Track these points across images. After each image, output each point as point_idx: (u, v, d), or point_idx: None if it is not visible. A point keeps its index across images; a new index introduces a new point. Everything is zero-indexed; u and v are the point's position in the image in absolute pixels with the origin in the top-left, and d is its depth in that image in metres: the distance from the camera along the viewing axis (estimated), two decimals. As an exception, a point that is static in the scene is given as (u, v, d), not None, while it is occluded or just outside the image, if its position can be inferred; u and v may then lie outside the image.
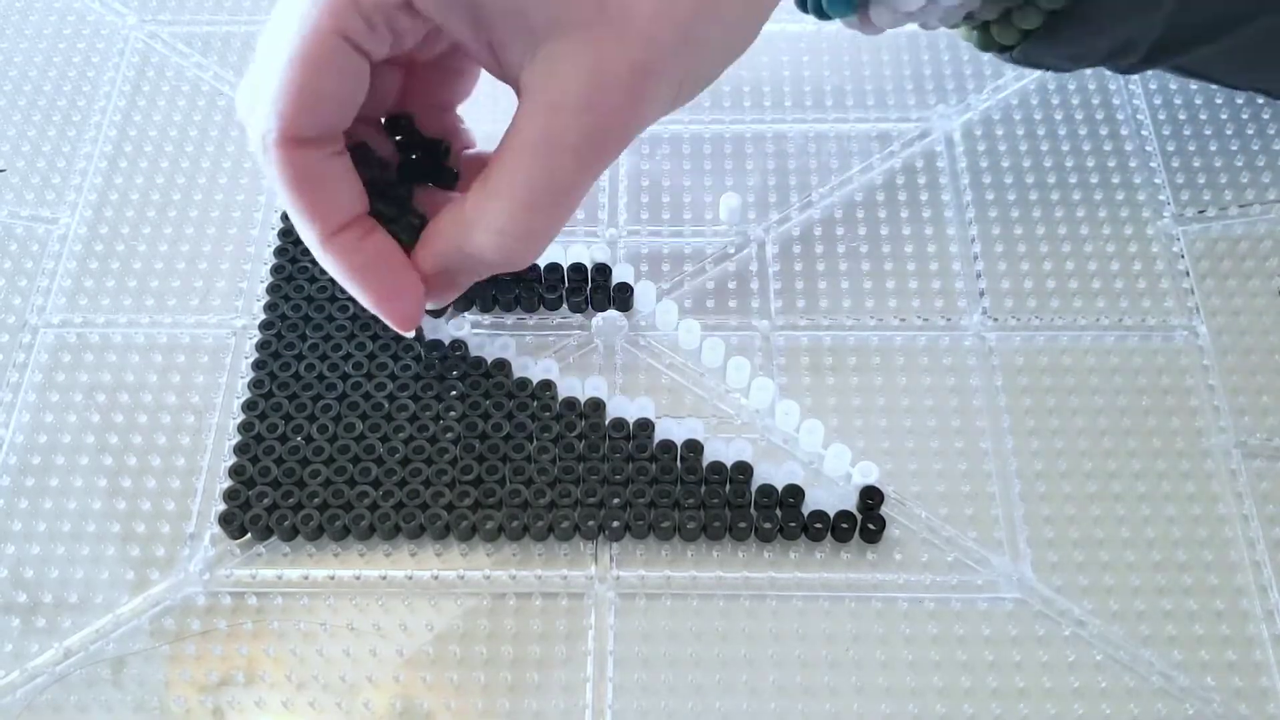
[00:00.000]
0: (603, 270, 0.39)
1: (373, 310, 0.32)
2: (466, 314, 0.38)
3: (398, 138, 0.34)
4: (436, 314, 0.37)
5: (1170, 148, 0.42)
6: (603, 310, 0.39)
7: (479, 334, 0.38)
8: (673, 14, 0.28)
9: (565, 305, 0.39)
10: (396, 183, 0.33)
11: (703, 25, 0.29)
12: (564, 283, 0.39)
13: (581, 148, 0.29)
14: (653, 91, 0.29)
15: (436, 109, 0.35)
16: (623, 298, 0.38)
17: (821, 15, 0.36)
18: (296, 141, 0.29)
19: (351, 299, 0.33)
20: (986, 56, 0.44)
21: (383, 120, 0.34)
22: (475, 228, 0.30)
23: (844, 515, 0.34)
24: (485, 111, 0.35)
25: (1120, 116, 0.43)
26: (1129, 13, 0.35)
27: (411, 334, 0.34)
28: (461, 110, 0.36)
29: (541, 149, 0.29)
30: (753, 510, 0.34)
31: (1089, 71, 0.44)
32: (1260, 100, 0.43)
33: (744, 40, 0.31)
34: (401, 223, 0.32)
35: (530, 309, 0.39)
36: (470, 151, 0.36)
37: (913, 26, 0.45)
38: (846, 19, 0.36)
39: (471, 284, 0.34)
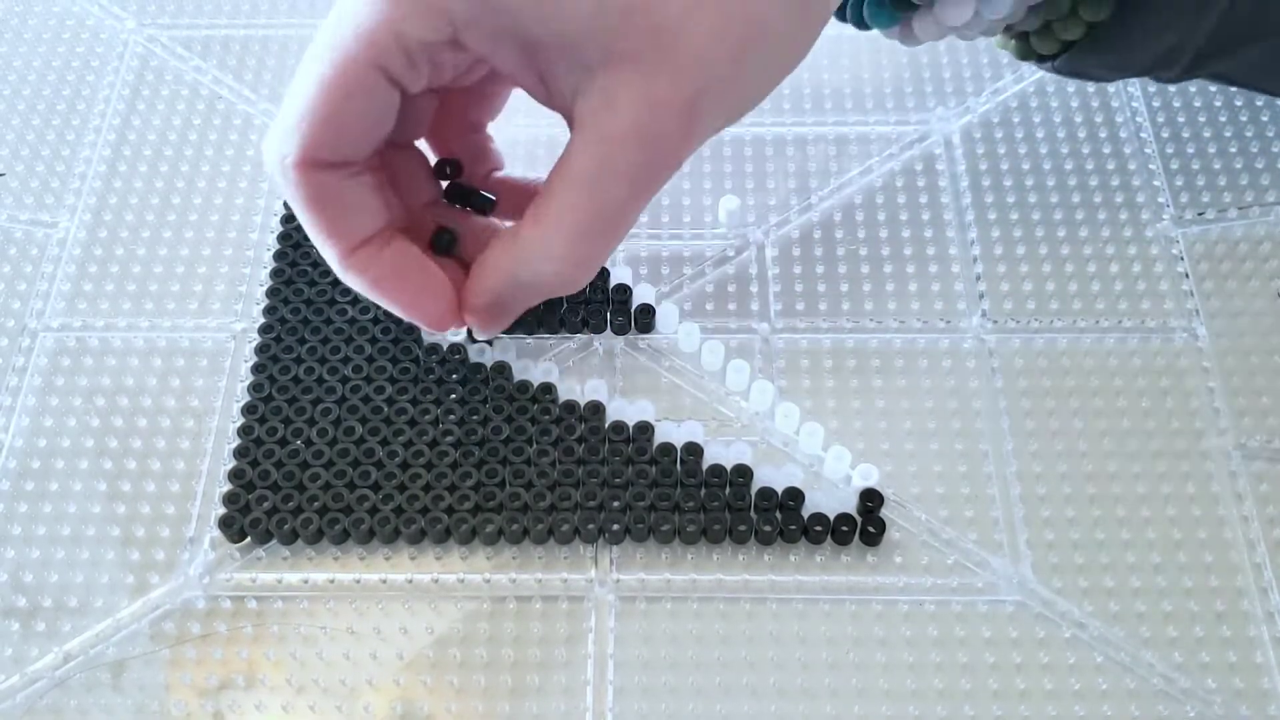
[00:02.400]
0: (602, 274, 0.38)
1: (403, 317, 0.32)
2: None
3: (444, 183, 0.35)
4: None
5: (1169, 150, 0.42)
6: (602, 313, 0.39)
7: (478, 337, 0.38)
8: (725, 42, 0.28)
9: (565, 308, 0.39)
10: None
11: (754, 50, 0.29)
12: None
13: (637, 177, 0.29)
14: (706, 118, 0.29)
15: (468, 129, 0.35)
16: (621, 300, 0.38)
17: (861, 25, 0.36)
18: (315, 164, 0.29)
19: (382, 312, 0.34)
20: (986, 59, 0.44)
21: (432, 164, 0.34)
22: (531, 257, 0.30)
23: (844, 518, 0.34)
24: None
25: (1119, 119, 0.43)
26: (1172, 21, 0.34)
27: (447, 333, 0.34)
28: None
29: (598, 180, 0.29)
30: (752, 513, 0.34)
31: (1088, 74, 0.44)
32: (1259, 102, 0.43)
33: (794, 59, 0.31)
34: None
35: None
36: (500, 174, 0.35)
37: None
38: (887, 30, 0.36)
39: (523, 311, 0.33)
